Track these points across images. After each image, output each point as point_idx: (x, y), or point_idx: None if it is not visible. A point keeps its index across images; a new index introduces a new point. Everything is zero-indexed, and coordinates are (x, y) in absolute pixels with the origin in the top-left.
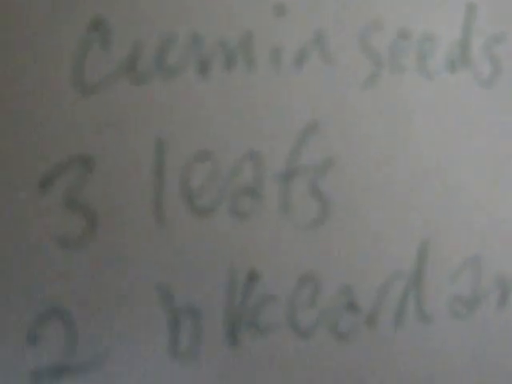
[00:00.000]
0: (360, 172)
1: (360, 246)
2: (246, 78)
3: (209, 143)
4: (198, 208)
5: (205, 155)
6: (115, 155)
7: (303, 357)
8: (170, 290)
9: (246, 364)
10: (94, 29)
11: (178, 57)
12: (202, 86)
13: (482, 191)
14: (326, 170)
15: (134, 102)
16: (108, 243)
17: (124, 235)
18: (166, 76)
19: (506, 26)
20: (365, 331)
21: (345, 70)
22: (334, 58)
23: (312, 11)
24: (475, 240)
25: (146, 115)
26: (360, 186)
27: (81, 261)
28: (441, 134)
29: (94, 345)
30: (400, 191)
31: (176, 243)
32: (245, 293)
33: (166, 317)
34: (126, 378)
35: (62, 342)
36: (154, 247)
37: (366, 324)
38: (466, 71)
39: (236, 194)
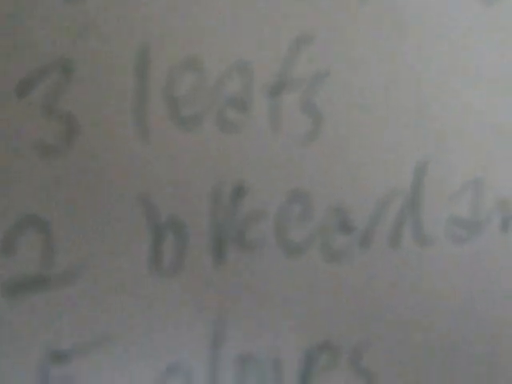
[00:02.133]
0: (356, 87)
1: (354, 164)
2: None
3: (195, 51)
4: (183, 118)
5: (190, 63)
6: (95, 61)
7: (292, 275)
8: (153, 202)
9: (232, 280)
10: None
11: None
12: None
13: (485, 112)
14: (320, 83)
15: (116, 4)
16: (88, 152)
17: (105, 144)
18: None
19: None
20: (358, 252)
21: None
22: None
23: None
24: (477, 162)
25: (128, 18)
26: (356, 102)
27: (59, 170)
28: (442, 51)
29: (72, 256)
30: (398, 108)
31: (159, 154)
32: (231, 207)
33: (148, 229)
34: (105, 292)
35: (38, 253)
36: (136, 157)
37: (360, 245)
38: None
39: (223, 106)
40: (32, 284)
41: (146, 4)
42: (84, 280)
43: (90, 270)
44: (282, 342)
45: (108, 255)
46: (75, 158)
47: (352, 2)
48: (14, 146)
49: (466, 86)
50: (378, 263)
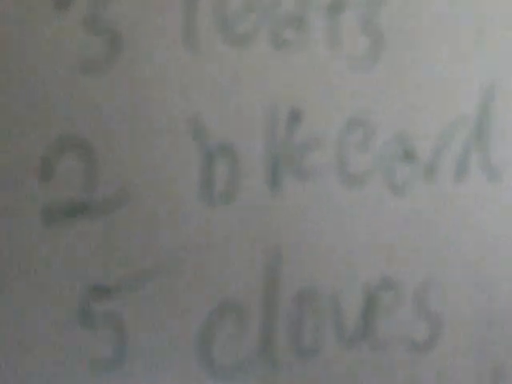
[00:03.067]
0: (419, 5)
1: (418, 88)
2: None
3: None
4: (235, 35)
5: None
6: None
7: (352, 207)
8: (204, 125)
9: (288, 210)
10: None
11: None
12: None
13: None
14: (380, 3)
15: None
16: (133, 69)
17: (150, 62)
18: None
19: None
20: (423, 183)
21: None
22: None
23: None
24: None
25: None
26: (419, 21)
27: (103, 87)
28: None
29: (116, 182)
30: (465, 29)
31: (209, 72)
32: (287, 132)
33: (198, 155)
34: (152, 221)
35: (80, 178)
36: (184, 76)
37: (424, 175)
38: None
39: (278, 24)
40: (73, 211)
41: None
42: (129, 208)
43: (135, 196)
44: (341, 278)
45: (155, 181)
46: (120, 74)
47: None
48: (55, 62)
49: None
50: (444, 195)
